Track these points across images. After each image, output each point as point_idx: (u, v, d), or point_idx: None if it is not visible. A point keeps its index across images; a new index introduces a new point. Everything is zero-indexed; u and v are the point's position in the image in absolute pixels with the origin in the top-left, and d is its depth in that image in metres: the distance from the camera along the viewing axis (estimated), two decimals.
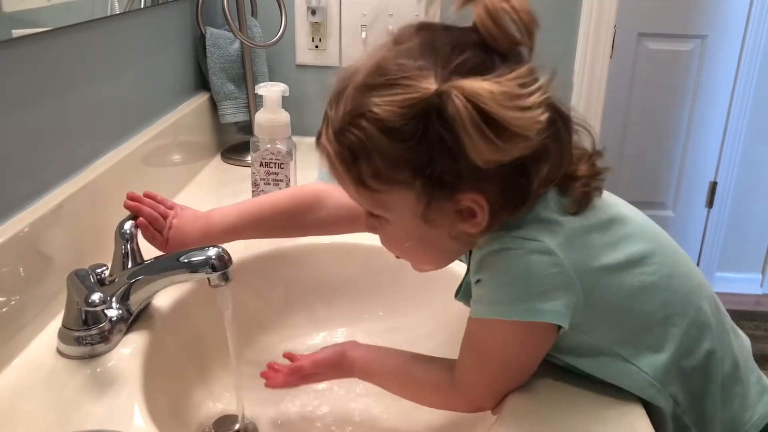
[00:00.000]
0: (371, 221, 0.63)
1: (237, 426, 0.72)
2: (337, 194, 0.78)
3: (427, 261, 0.66)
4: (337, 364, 0.71)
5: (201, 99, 1.21)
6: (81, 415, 0.59)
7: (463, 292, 0.67)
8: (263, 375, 0.74)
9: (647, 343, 0.61)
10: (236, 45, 1.22)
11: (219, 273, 0.68)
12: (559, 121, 0.58)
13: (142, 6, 0.98)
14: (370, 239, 0.93)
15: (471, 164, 0.53)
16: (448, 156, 0.53)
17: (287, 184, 0.91)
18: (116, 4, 0.91)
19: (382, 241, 0.64)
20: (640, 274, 0.60)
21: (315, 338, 0.88)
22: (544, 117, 0.52)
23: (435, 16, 1.29)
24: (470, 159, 0.52)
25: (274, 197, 0.82)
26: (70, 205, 0.75)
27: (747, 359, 0.68)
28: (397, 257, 0.66)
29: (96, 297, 0.60)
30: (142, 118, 1.00)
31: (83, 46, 0.82)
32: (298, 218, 0.80)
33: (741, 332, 0.71)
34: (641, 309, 0.60)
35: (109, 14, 0.88)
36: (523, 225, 0.58)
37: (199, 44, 1.22)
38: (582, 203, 0.60)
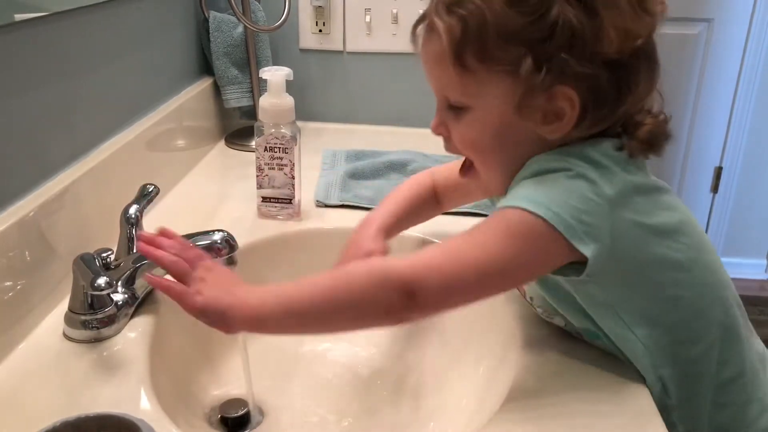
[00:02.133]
0: (447, 116, 0.62)
1: (244, 409, 0.72)
2: (443, 178, 0.81)
3: (495, 163, 0.62)
4: (233, 280, 0.59)
5: (205, 84, 1.21)
6: (88, 398, 0.59)
7: None
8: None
9: (647, 315, 0.60)
10: (240, 29, 1.22)
11: (225, 257, 0.69)
12: (654, 48, 0.59)
13: None
14: None
15: (586, 52, 0.54)
16: (567, 38, 0.54)
17: (291, 169, 0.91)
18: None
19: (456, 140, 0.62)
20: (667, 247, 0.60)
21: None
22: (663, 9, 0.57)
23: None
24: (589, 43, 0.54)
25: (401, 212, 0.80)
26: (75, 189, 0.75)
27: (757, 373, 0.67)
28: (463, 173, 0.67)
29: (102, 281, 0.60)
30: (146, 102, 1.00)
31: (86, 30, 0.81)
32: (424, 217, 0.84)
33: (761, 347, 0.70)
34: (654, 278, 0.60)
35: None
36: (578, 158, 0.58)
37: (203, 28, 1.21)
38: (641, 148, 0.59)
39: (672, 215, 0.61)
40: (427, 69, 0.61)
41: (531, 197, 0.55)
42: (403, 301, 0.53)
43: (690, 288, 0.61)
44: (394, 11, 1.28)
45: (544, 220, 0.54)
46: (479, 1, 0.55)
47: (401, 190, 0.82)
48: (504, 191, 0.61)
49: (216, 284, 0.58)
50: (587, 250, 0.54)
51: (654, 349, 0.61)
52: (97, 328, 0.66)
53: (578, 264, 0.56)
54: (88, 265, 0.64)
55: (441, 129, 0.63)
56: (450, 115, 0.62)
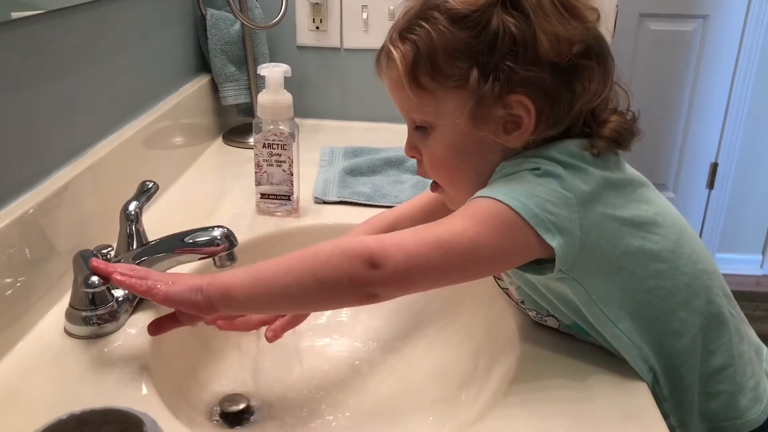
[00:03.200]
0: (416, 138, 0.65)
1: (244, 404, 0.72)
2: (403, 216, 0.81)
3: (463, 181, 0.64)
4: (194, 304, 0.57)
5: (202, 81, 1.21)
6: (89, 393, 0.60)
7: None
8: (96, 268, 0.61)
9: (628, 308, 0.61)
10: (237, 26, 1.22)
11: (224, 253, 0.69)
12: (603, 48, 0.61)
13: None
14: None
15: (529, 58, 0.57)
16: (509, 46, 0.57)
17: (290, 165, 0.91)
18: None
19: (426, 161, 0.65)
20: (642, 238, 0.60)
21: (319, 318, 0.88)
22: (597, 16, 0.59)
23: None
24: (530, 49, 0.57)
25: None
26: (74, 186, 0.75)
27: (748, 363, 0.67)
28: (433, 189, 0.68)
29: (95, 278, 0.60)
30: (143, 100, 1.00)
31: (83, 28, 0.82)
32: None
33: (756, 338, 0.71)
34: (632, 270, 0.61)
35: None
36: (544, 158, 0.59)
37: (200, 25, 1.21)
38: (607, 145, 0.61)
39: (648, 208, 0.62)
40: (392, 95, 0.65)
41: (499, 189, 0.57)
42: (366, 271, 0.53)
43: (669, 279, 0.62)
44: (391, 8, 1.29)
45: (511, 208, 0.55)
46: (427, 24, 0.59)
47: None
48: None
49: (184, 276, 0.61)
50: (554, 241, 0.55)
51: (640, 341, 0.62)
52: (98, 324, 0.67)
53: (551, 261, 0.57)
54: (86, 261, 0.64)
55: (413, 152, 0.66)
56: (418, 136, 0.65)
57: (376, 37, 1.31)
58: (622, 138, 0.62)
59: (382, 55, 0.64)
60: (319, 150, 1.18)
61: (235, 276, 0.58)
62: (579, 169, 0.59)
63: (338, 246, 0.56)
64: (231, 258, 0.69)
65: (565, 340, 0.67)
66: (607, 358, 0.64)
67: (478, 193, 0.59)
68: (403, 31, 0.61)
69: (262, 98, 0.90)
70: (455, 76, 0.59)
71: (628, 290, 0.61)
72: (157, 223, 0.81)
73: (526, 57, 0.57)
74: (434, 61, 0.59)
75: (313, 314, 0.89)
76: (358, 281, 0.54)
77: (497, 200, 0.56)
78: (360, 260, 0.54)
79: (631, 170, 0.65)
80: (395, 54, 0.61)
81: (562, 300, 0.63)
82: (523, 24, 0.57)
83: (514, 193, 0.56)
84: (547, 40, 0.57)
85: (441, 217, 0.59)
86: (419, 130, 0.64)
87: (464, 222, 0.56)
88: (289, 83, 0.92)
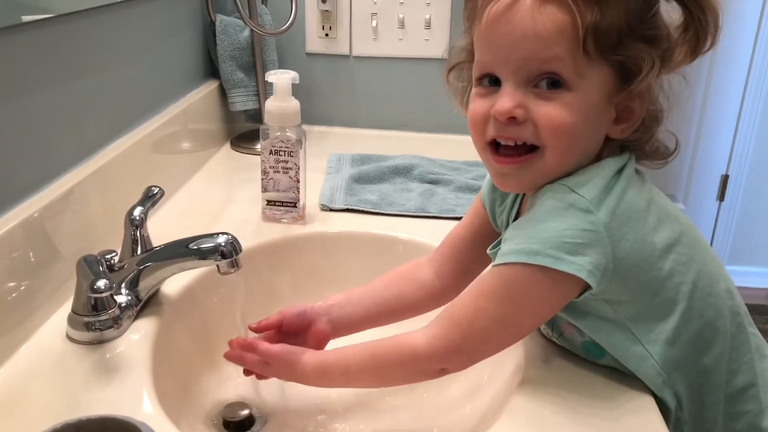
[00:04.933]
0: (530, 96, 0.56)
1: (246, 411, 0.72)
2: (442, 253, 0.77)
3: (575, 154, 0.59)
4: (289, 364, 0.65)
5: (210, 87, 1.21)
6: (90, 400, 0.59)
7: (496, 245, 0.67)
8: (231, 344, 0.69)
9: (661, 331, 0.60)
10: (246, 33, 1.22)
11: (228, 260, 0.68)
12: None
13: None
14: (380, 228, 0.93)
15: (672, 60, 0.57)
16: (666, 42, 0.56)
17: (296, 172, 0.91)
18: None
19: (544, 121, 0.56)
20: (673, 261, 0.59)
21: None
22: None
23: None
24: (673, 53, 0.57)
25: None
26: (80, 190, 0.75)
27: None
28: (513, 161, 0.59)
29: (101, 283, 0.60)
30: (152, 105, 1.00)
31: (93, 32, 0.82)
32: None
33: None
34: (665, 295, 0.59)
35: (119, 0, 0.88)
36: (583, 172, 0.59)
37: (209, 31, 1.21)
38: (652, 164, 0.62)
39: (674, 228, 0.61)
40: (525, 36, 0.55)
41: (523, 245, 0.56)
42: (436, 375, 0.62)
43: (699, 299, 0.61)
44: (401, 16, 1.28)
45: (541, 267, 0.55)
46: None
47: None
48: (553, 180, 0.59)
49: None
50: (590, 278, 0.55)
51: (666, 363, 0.60)
52: (100, 330, 0.66)
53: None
54: (91, 266, 0.64)
55: (520, 110, 0.56)
56: (533, 97, 0.56)
57: (386, 45, 1.32)
58: (665, 155, 0.62)
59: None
60: (326, 157, 1.18)
61: (328, 357, 0.65)
62: (616, 191, 0.57)
63: (405, 363, 0.62)
64: (234, 265, 0.69)
65: (572, 356, 0.66)
66: (615, 377, 0.63)
67: (504, 257, 0.57)
68: None
69: (270, 105, 0.89)
70: (624, 56, 0.55)
71: (661, 313, 0.60)
72: (162, 229, 0.80)
73: (671, 58, 0.57)
74: (610, 28, 0.54)
75: None
76: (431, 378, 0.63)
77: (525, 264, 0.55)
78: (428, 375, 0.62)
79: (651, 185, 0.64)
80: (576, 4, 0.54)
81: (583, 321, 0.61)
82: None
83: (541, 245, 0.55)
84: (679, 53, 0.58)
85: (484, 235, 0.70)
86: (540, 90, 0.56)
87: (503, 304, 0.58)
88: (297, 90, 0.91)
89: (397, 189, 1.06)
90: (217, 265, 0.69)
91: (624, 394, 0.61)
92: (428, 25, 1.29)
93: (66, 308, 0.69)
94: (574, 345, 0.65)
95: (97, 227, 0.78)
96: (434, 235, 0.91)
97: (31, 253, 0.67)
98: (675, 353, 0.60)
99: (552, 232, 0.55)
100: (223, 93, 1.24)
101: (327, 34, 1.32)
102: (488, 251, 0.68)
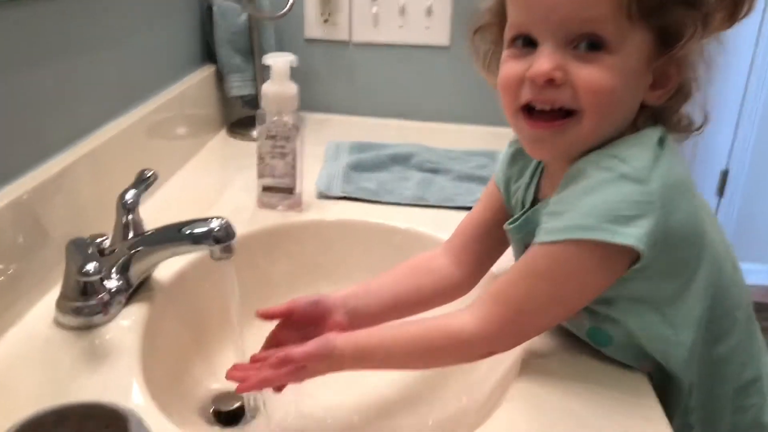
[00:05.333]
0: (570, 58, 0.54)
1: (238, 403, 0.70)
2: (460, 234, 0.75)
3: (614, 118, 0.57)
4: (326, 356, 0.59)
5: (207, 71, 1.19)
6: (77, 386, 0.58)
7: (522, 223, 0.64)
8: (231, 378, 0.61)
9: (692, 314, 0.58)
10: (244, 17, 1.20)
11: (222, 245, 0.67)
12: None
13: None
14: (377, 217, 0.92)
15: (713, 25, 0.54)
16: (710, 10, 0.54)
17: (293, 158, 0.89)
18: None
19: (583, 84, 0.54)
20: (711, 241, 0.58)
21: None
22: None
23: None
24: (713, 15, 0.54)
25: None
26: (72, 172, 0.74)
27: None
28: (546, 126, 0.57)
29: (90, 266, 0.58)
30: (147, 88, 0.98)
31: (88, 10, 0.80)
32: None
33: None
34: (701, 275, 0.57)
35: None
36: (622, 143, 0.56)
37: (206, 15, 1.19)
38: (682, 134, 0.60)
39: (705, 205, 0.60)
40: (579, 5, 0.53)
41: (576, 220, 0.54)
42: (484, 357, 0.61)
43: (725, 285, 0.60)
44: (401, 3, 1.26)
45: (597, 241, 0.53)
46: None
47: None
48: (589, 148, 0.57)
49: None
50: (645, 249, 0.52)
51: (691, 349, 0.59)
52: (89, 315, 0.64)
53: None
54: (80, 249, 0.62)
55: (559, 72, 0.54)
56: (571, 59, 0.54)
57: (386, 32, 1.30)
58: (687, 131, 0.60)
59: None
60: (324, 145, 1.16)
61: (363, 341, 0.61)
62: (663, 162, 0.55)
63: (453, 346, 0.60)
64: (228, 251, 0.67)
65: (572, 343, 0.65)
66: (615, 365, 0.62)
67: (552, 234, 0.55)
68: None
69: (267, 88, 0.88)
70: (668, 21, 0.53)
71: (694, 295, 0.58)
72: (156, 214, 0.79)
73: (710, 24, 0.54)
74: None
75: None
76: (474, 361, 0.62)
77: (577, 240, 0.53)
78: (476, 356, 0.61)
79: None
80: None
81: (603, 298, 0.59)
82: None
83: (592, 220, 0.53)
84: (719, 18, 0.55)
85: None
86: (580, 51, 0.54)
87: (552, 284, 0.56)
88: (296, 76, 0.89)
89: (396, 177, 1.04)
90: (210, 250, 0.67)
91: (621, 384, 0.60)
92: (429, 13, 1.27)
93: (55, 293, 0.67)
94: (580, 329, 0.63)
95: (88, 210, 0.77)
96: (433, 224, 0.90)
97: (20, 236, 0.66)
98: (697, 336, 0.59)
99: (606, 205, 0.53)
100: (220, 78, 1.22)
101: (326, 20, 1.30)
102: (506, 226, 0.66)
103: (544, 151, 0.61)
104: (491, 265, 0.72)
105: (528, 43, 0.56)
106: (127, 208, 0.72)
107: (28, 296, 0.67)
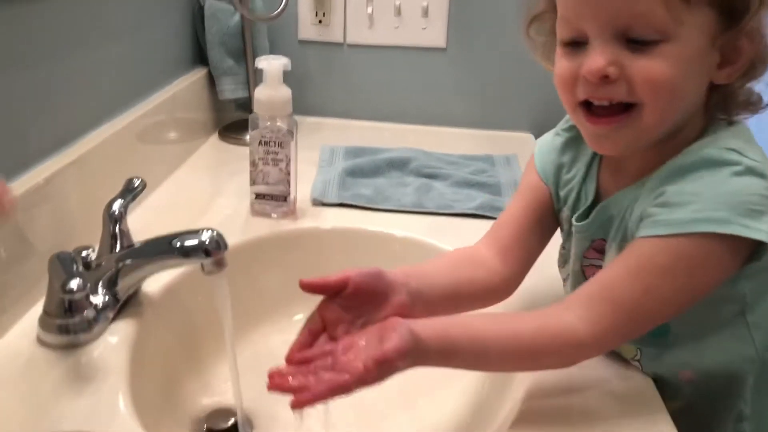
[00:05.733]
0: (623, 52, 0.52)
1: (232, 420, 0.68)
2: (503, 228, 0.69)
3: (677, 110, 0.54)
4: (412, 350, 0.49)
5: (199, 74, 1.16)
6: (60, 411, 0.55)
7: (595, 217, 0.61)
8: (278, 388, 0.50)
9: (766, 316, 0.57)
10: (236, 18, 1.16)
11: (213, 259, 0.64)
12: None
13: None
14: (374, 224, 0.89)
15: None
16: None
17: (287, 164, 0.86)
18: None
19: (642, 78, 0.52)
20: None
21: None
22: None
23: None
24: None
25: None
26: (57, 181, 0.71)
27: None
28: (606, 121, 0.55)
29: (74, 284, 0.55)
30: (136, 92, 0.95)
31: (75, 11, 0.77)
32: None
33: None
34: None
35: None
36: (729, 135, 0.54)
37: (198, 16, 1.16)
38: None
39: None
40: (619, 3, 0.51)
41: (707, 212, 0.51)
42: (586, 359, 0.56)
43: None
44: (397, 3, 1.23)
45: (728, 235, 0.50)
46: None
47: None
48: (653, 141, 0.56)
49: (369, 335, 0.50)
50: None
51: (759, 351, 0.57)
52: (74, 333, 0.62)
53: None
54: (64, 264, 0.59)
55: (613, 68, 0.52)
56: (626, 52, 0.52)
57: (382, 33, 1.27)
58: (755, 108, 0.57)
59: None
60: (318, 149, 1.13)
61: (453, 334, 0.52)
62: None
63: (561, 347, 0.54)
64: (220, 264, 0.64)
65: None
66: (626, 385, 0.60)
67: (676, 226, 0.51)
68: None
69: (259, 93, 0.85)
70: None
71: None
72: (144, 224, 0.76)
73: None
74: None
75: None
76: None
77: (703, 233, 0.51)
78: (583, 357, 0.56)
79: None
80: None
81: None
82: None
83: (734, 216, 0.50)
84: None
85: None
86: (634, 44, 0.52)
87: (673, 281, 0.52)
88: (289, 79, 0.87)
89: (393, 183, 1.01)
90: (202, 264, 0.64)
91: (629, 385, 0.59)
92: (425, 13, 1.24)
93: (38, 308, 0.64)
94: None
95: (74, 221, 0.74)
96: (431, 232, 0.87)
97: (2, 248, 0.63)
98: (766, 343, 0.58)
99: (737, 198, 0.51)
100: (211, 81, 1.19)
101: (320, 21, 1.27)
102: (575, 221, 0.63)
103: (607, 147, 0.58)
104: (534, 262, 0.68)
105: (579, 44, 0.54)
106: (115, 219, 0.69)
107: (10, 312, 0.64)
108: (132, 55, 0.93)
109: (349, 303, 0.55)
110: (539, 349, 0.54)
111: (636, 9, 0.50)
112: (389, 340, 0.48)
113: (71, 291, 0.55)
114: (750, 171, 0.51)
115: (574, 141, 0.65)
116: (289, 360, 0.52)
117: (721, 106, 0.56)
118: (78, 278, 0.56)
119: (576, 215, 0.63)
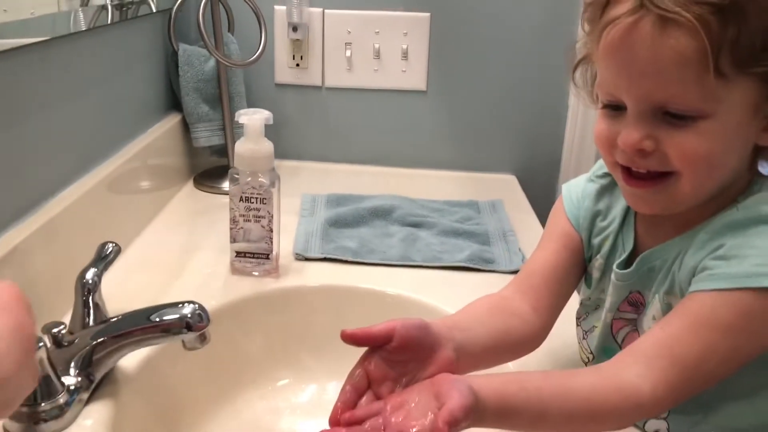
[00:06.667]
0: (659, 127, 0.51)
1: None
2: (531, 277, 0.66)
3: (717, 180, 0.54)
4: (473, 409, 0.46)
5: (172, 121, 1.11)
6: None
7: (637, 266, 0.59)
8: None
9: None
10: (211, 63, 1.13)
11: (196, 334, 0.60)
12: None
13: (109, 22, 0.89)
14: (360, 278, 0.85)
15: None
16: None
17: (269, 221, 0.82)
18: (81, 21, 0.81)
19: (678, 154, 0.51)
20: None
21: (301, 394, 0.79)
22: None
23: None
24: None
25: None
26: (23, 249, 0.66)
27: None
28: (646, 184, 0.54)
29: None
30: (107, 145, 0.90)
31: (41, 67, 0.72)
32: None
33: None
34: None
35: (72, 31, 0.79)
36: None
37: (171, 62, 1.13)
38: None
39: None
40: (646, 68, 0.50)
41: (763, 265, 0.49)
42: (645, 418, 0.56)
43: None
44: (376, 46, 1.21)
45: None
46: None
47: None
48: (692, 205, 0.55)
49: (421, 393, 0.48)
50: None
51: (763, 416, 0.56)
52: (45, 421, 0.56)
53: None
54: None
55: (649, 141, 0.51)
56: (662, 125, 0.51)
57: (361, 76, 1.25)
58: None
59: (646, 16, 0.49)
60: (297, 196, 1.10)
61: (509, 392, 0.49)
62: None
63: (627, 409, 0.51)
64: (203, 339, 0.60)
65: None
66: None
67: (742, 281, 0.50)
68: None
69: (240, 147, 0.81)
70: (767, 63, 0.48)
71: None
72: (118, 287, 0.72)
73: None
74: (751, 39, 0.48)
75: (292, 389, 0.80)
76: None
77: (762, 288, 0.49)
78: (644, 416, 0.56)
79: None
80: (689, 20, 0.47)
81: None
82: None
83: None
84: None
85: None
86: (670, 118, 0.51)
87: (734, 338, 0.50)
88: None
89: (377, 234, 0.98)
90: (183, 341, 0.60)
91: None
92: (405, 56, 1.22)
93: None
94: None
95: (43, 292, 0.69)
96: (420, 286, 0.84)
97: None
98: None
99: None
100: (186, 127, 1.15)
101: (298, 64, 1.24)
102: (617, 268, 0.61)
103: (645, 208, 0.58)
104: (562, 310, 0.65)
105: (619, 107, 0.54)
106: (88, 289, 0.64)
107: None
108: (101, 108, 0.89)
109: (394, 357, 0.52)
110: (599, 409, 0.50)
111: (670, 90, 0.50)
112: (452, 397, 0.45)
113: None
114: None
115: (609, 188, 0.64)
116: (336, 421, 0.49)
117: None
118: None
119: (617, 263, 0.61)
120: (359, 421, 0.48)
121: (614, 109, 0.54)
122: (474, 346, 0.56)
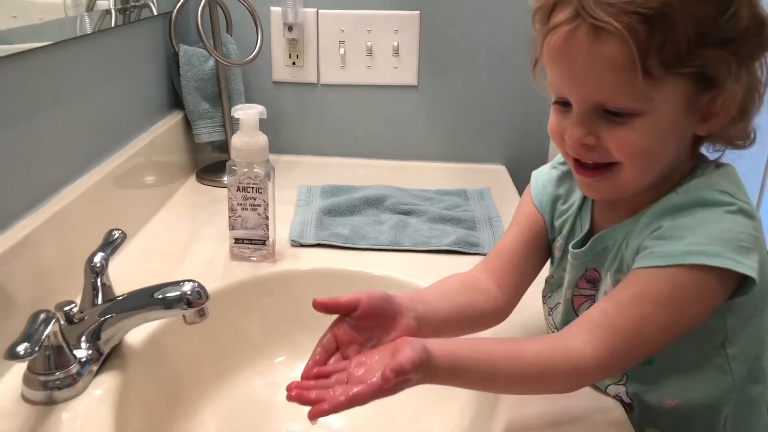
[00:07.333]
0: (599, 123, 0.56)
1: None
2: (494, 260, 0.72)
3: (655, 170, 0.58)
4: (424, 364, 0.50)
5: (175, 119, 1.17)
6: None
7: (591, 246, 0.64)
8: (298, 399, 0.51)
9: (747, 350, 0.61)
10: (211, 63, 1.19)
11: (195, 309, 0.65)
12: None
13: (112, 25, 0.95)
14: (352, 263, 0.91)
15: (745, 53, 0.54)
16: (755, 29, 0.53)
17: (265, 209, 0.88)
18: (87, 25, 0.87)
19: (616, 147, 0.56)
20: None
21: (297, 370, 0.83)
22: None
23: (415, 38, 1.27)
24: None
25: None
26: (35, 237, 0.71)
27: None
28: (592, 174, 0.59)
29: (21, 348, 0.54)
30: (113, 141, 0.96)
31: (50, 69, 0.78)
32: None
33: None
34: (766, 315, 0.61)
35: (78, 35, 0.84)
36: (721, 178, 0.58)
37: (173, 62, 1.18)
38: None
39: None
40: (583, 72, 0.55)
41: (702, 246, 0.54)
42: (585, 386, 0.59)
43: None
44: (369, 44, 1.27)
45: (718, 268, 0.54)
46: None
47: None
48: (637, 191, 0.60)
49: (381, 352, 0.53)
50: (756, 276, 0.54)
51: (737, 383, 0.61)
52: (58, 389, 0.62)
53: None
54: (30, 324, 0.59)
55: (590, 138, 0.57)
56: (602, 122, 0.56)
57: (354, 72, 1.30)
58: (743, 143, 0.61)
59: (572, 25, 0.54)
60: (295, 188, 1.15)
61: (461, 353, 0.53)
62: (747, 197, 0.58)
63: (570, 373, 0.56)
64: (202, 314, 0.66)
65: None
66: (604, 418, 0.62)
67: (695, 257, 0.54)
68: (627, 1, 0.51)
69: (236, 141, 0.86)
70: (695, 65, 0.52)
71: (757, 333, 0.61)
72: (125, 273, 0.77)
73: (747, 53, 0.54)
74: (676, 44, 0.51)
75: (288, 366, 0.85)
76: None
77: (699, 265, 0.54)
78: (585, 383, 0.59)
79: None
80: (618, 29, 0.51)
81: None
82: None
83: (715, 247, 0.54)
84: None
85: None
86: (608, 116, 0.56)
87: (669, 310, 0.55)
88: (264, 119, 0.88)
89: (369, 221, 1.03)
90: (184, 315, 0.65)
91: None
92: (396, 53, 1.27)
93: (22, 366, 0.64)
94: None
95: (55, 276, 0.74)
96: (409, 269, 0.89)
97: None
98: (743, 376, 0.61)
99: (730, 234, 0.54)
100: (188, 124, 1.21)
101: (294, 63, 1.29)
102: (572, 248, 0.66)
103: (594, 194, 0.64)
104: (528, 287, 0.71)
105: (567, 104, 0.59)
106: (96, 272, 0.69)
107: None
108: (108, 105, 0.94)
109: (360, 324, 0.57)
110: (544, 371, 0.55)
111: (605, 92, 0.55)
112: (404, 352, 0.49)
113: (17, 355, 0.54)
114: (741, 211, 0.55)
115: (569, 174, 0.69)
116: (306, 375, 0.55)
117: (710, 145, 0.60)
118: (26, 342, 0.55)
119: (572, 243, 0.67)
120: (326, 375, 0.54)
121: (563, 105, 0.59)
122: (435, 316, 0.62)
